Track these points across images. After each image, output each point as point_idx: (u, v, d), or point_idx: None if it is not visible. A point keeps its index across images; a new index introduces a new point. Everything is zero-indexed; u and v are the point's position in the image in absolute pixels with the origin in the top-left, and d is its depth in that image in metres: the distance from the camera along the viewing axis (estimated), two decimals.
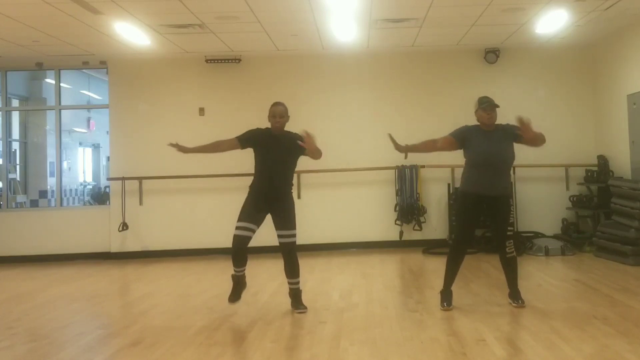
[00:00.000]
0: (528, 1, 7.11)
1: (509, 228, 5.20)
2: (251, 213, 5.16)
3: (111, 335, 4.85)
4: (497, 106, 5.13)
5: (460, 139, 5.19)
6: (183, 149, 5.19)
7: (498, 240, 5.26)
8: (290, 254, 5.27)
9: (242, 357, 4.16)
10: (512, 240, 5.21)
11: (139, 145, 9.58)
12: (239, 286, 5.32)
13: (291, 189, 5.34)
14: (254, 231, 5.17)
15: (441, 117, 9.39)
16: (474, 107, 5.21)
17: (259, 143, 5.22)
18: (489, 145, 5.06)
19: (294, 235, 5.25)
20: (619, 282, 6.18)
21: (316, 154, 5.14)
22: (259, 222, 5.19)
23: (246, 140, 5.26)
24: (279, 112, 5.17)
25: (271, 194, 5.19)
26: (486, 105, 5.10)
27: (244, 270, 5.31)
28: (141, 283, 7.44)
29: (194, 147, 5.33)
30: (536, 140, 5.05)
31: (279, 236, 5.24)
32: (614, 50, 8.78)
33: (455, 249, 5.31)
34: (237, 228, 5.15)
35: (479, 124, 5.20)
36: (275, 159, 5.17)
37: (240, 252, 5.19)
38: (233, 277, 5.31)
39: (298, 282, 5.36)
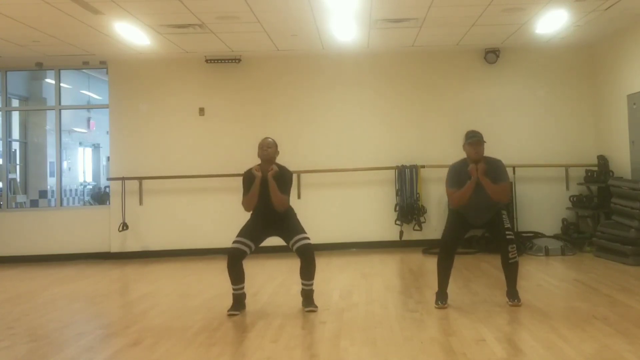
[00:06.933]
0: (528, 1, 7.10)
1: (508, 232, 5.21)
2: (251, 231, 5.27)
3: (111, 335, 4.85)
4: (484, 142, 5.16)
5: (458, 182, 5.15)
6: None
7: (501, 246, 5.27)
8: (308, 255, 5.26)
9: (242, 357, 4.16)
10: (515, 245, 5.23)
11: (139, 145, 9.59)
12: (238, 304, 5.33)
13: (291, 209, 5.38)
14: (250, 248, 5.27)
15: (441, 117, 9.43)
16: (463, 141, 5.24)
17: (251, 183, 5.27)
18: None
19: (307, 238, 5.29)
20: (619, 282, 6.18)
21: (275, 197, 5.15)
22: (257, 240, 5.30)
23: (247, 188, 5.30)
24: (266, 144, 5.34)
25: (272, 222, 5.26)
26: (472, 141, 5.13)
27: (242, 288, 5.35)
28: (141, 283, 7.44)
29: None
30: (497, 196, 5.10)
31: (294, 243, 5.26)
32: (614, 50, 8.78)
33: (443, 252, 5.36)
34: (234, 242, 5.25)
35: (466, 158, 5.23)
36: (267, 198, 5.20)
37: (235, 266, 5.25)
38: (233, 295, 5.34)
39: (312, 284, 5.39)
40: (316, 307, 5.32)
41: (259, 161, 5.36)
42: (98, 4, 6.70)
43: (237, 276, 5.28)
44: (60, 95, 10.07)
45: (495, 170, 5.14)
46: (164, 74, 9.65)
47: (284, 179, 5.29)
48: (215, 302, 5.78)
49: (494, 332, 4.44)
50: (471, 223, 5.26)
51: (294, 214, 5.39)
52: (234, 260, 5.23)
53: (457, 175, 5.18)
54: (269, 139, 5.39)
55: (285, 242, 5.34)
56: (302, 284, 5.37)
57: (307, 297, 5.37)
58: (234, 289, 5.32)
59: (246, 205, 5.29)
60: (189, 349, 4.27)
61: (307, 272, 5.31)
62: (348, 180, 9.42)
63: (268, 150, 5.31)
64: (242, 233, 5.28)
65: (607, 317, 4.73)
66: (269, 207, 5.23)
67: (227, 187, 9.11)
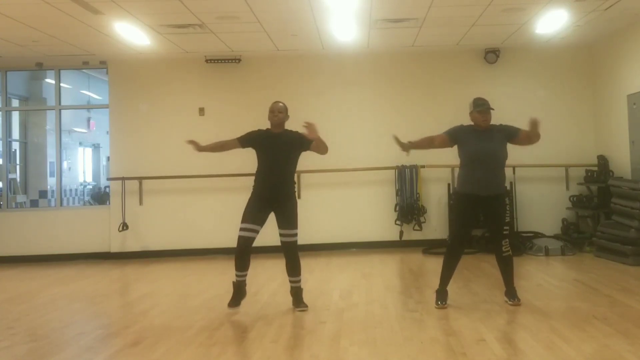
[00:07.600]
0: (528, 1, 7.10)
1: (505, 227, 5.22)
2: (254, 213, 5.28)
3: (111, 335, 4.85)
4: (492, 109, 5.22)
5: (454, 138, 5.28)
6: (198, 147, 5.35)
7: (494, 239, 5.31)
8: (291, 253, 5.36)
9: (242, 357, 4.17)
10: (508, 240, 5.24)
11: (139, 145, 9.58)
12: (239, 294, 5.39)
13: (294, 187, 5.47)
14: (257, 232, 5.30)
15: (441, 117, 9.35)
16: (469, 108, 5.30)
17: (259, 142, 5.37)
18: (482, 144, 5.15)
19: (295, 235, 5.35)
20: (619, 282, 6.18)
21: (321, 145, 5.23)
22: (262, 222, 5.32)
23: (246, 140, 5.44)
24: (277, 108, 5.37)
25: (274, 193, 5.30)
26: (482, 109, 5.19)
27: (245, 275, 5.39)
28: (141, 283, 7.44)
29: (205, 145, 5.44)
30: (534, 138, 5.21)
31: (281, 235, 5.33)
32: (614, 50, 8.78)
33: (452, 249, 5.37)
34: (242, 229, 5.27)
35: (473, 124, 5.29)
36: (276, 157, 5.29)
37: (244, 254, 5.30)
38: (234, 283, 5.39)
39: (299, 281, 5.44)
40: (306, 306, 5.35)
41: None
42: (98, 4, 6.70)
43: (244, 264, 5.34)
44: (60, 95, 10.06)
45: (506, 131, 5.25)
46: (164, 74, 9.64)
47: (301, 138, 5.33)
48: (215, 302, 5.78)
49: (494, 332, 4.44)
50: (478, 195, 5.12)
51: (296, 203, 5.41)
52: (243, 249, 5.27)
53: (461, 134, 5.25)
54: (280, 104, 5.41)
55: (278, 225, 5.36)
56: (290, 281, 5.45)
57: (297, 296, 5.41)
58: (237, 276, 5.35)
59: (226, 143, 5.42)
60: (189, 349, 4.27)
61: (292, 268, 5.39)
62: (348, 180, 9.42)
63: (279, 115, 5.35)
64: (247, 218, 5.28)
65: (607, 317, 4.73)
66: (275, 174, 5.27)
67: (227, 187, 9.12)
